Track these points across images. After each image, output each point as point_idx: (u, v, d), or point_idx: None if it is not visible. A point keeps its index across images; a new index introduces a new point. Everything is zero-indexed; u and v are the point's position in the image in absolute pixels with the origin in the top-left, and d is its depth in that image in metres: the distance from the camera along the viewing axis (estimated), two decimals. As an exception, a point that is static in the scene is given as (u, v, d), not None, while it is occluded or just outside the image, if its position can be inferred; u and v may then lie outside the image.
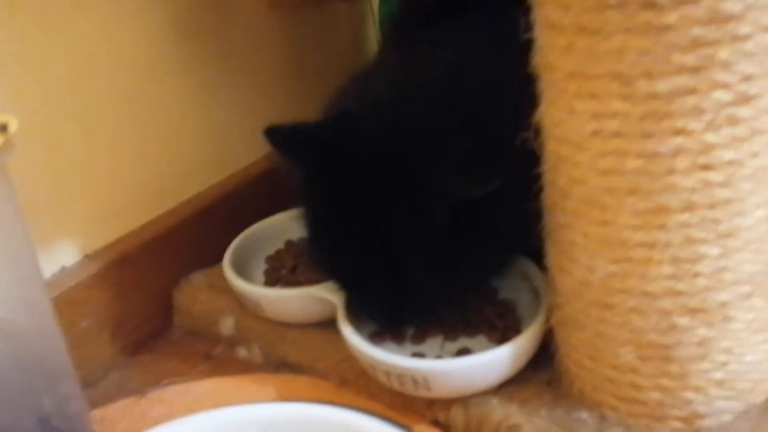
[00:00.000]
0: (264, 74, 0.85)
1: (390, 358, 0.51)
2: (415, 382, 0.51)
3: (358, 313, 0.59)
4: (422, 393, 0.52)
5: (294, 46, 0.88)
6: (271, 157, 0.58)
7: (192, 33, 0.75)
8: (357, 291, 0.57)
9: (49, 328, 0.47)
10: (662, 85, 0.38)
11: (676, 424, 0.47)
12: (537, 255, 0.56)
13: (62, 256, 0.67)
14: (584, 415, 0.49)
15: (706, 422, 0.47)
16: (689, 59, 0.37)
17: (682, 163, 0.40)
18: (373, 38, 0.96)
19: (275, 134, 0.53)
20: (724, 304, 0.44)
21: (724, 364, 0.45)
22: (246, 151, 0.83)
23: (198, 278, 0.73)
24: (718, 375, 0.46)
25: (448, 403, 0.53)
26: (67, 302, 0.64)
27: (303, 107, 0.86)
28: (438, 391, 0.52)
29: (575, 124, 0.42)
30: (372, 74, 0.62)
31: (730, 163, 0.40)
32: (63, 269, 0.67)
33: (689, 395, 0.46)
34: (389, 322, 0.57)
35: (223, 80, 0.79)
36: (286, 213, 0.75)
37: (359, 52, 0.97)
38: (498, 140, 0.46)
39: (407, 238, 0.50)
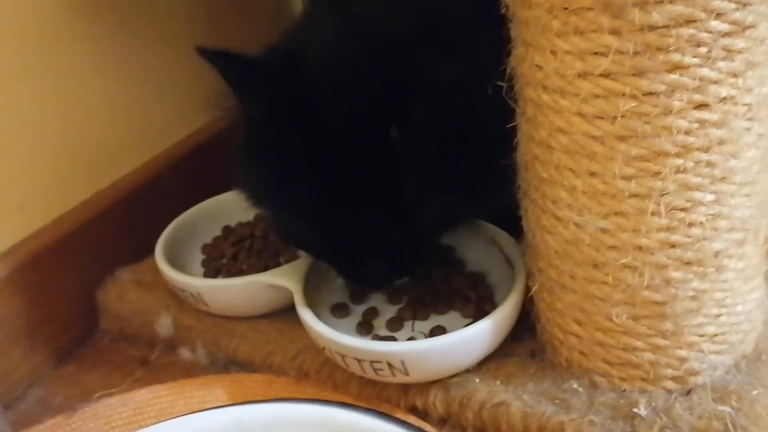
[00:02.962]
0: (183, 47, 0.76)
1: (362, 343, 0.46)
2: (391, 367, 0.46)
3: (315, 297, 0.54)
4: (399, 379, 0.47)
5: (214, 15, 0.80)
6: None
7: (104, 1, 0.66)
8: (347, 252, 0.49)
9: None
10: (658, 15, 0.35)
11: (670, 384, 0.45)
12: (506, 222, 0.53)
13: (-38, 260, 0.58)
14: (574, 384, 0.46)
15: (699, 379, 0.45)
16: (685, -16, 0.34)
17: (678, 101, 0.37)
18: (297, 4, 0.89)
19: (224, 61, 0.45)
20: (717, 254, 0.41)
21: (717, 316, 0.44)
22: (169, 130, 0.75)
23: (124, 275, 0.66)
24: (712, 329, 0.44)
25: (425, 387, 0.49)
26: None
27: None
28: (417, 375, 0.47)
29: (558, 66, 0.38)
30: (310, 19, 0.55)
31: (725, 100, 0.37)
32: (-36, 275, 0.58)
33: (683, 353, 0.44)
34: (394, 275, 0.51)
35: (137, 52, 0.71)
36: (220, 196, 0.69)
37: (284, 19, 0.90)
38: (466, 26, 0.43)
39: (400, 161, 0.44)
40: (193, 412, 0.45)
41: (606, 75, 0.37)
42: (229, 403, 0.51)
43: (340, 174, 0.44)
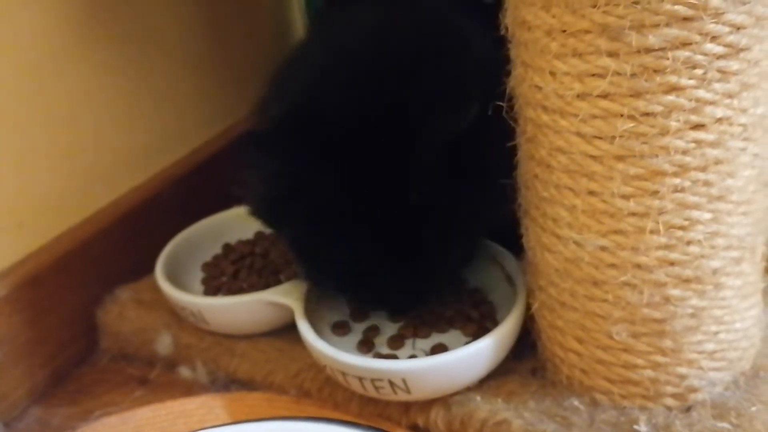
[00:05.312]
0: (184, 63, 0.77)
1: (363, 361, 0.47)
2: (392, 385, 0.46)
3: (316, 315, 0.54)
4: (401, 397, 0.47)
5: (216, 34, 0.81)
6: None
7: (103, 16, 0.67)
8: (377, 285, 0.51)
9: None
10: (654, 38, 0.35)
11: (670, 401, 0.45)
12: (506, 240, 0.53)
13: (-39, 280, 0.58)
14: (575, 402, 0.46)
15: (699, 396, 0.45)
16: (680, 8, 0.35)
17: (675, 122, 0.37)
18: (298, 20, 0.90)
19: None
20: (716, 272, 0.42)
21: (716, 333, 0.44)
22: (168, 148, 0.75)
23: (124, 294, 0.66)
24: (711, 346, 0.44)
25: (427, 405, 0.49)
26: (-29, 332, 0.55)
27: (228, 98, 0.81)
28: (418, 393, 0.47)
29: (557, 87, 0.39)
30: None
31: (721, 121, 0.38)
32: (-37, 295, 0.58)
33: (683, 370, 0.44)
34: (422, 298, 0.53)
35: (137, 71, 0.71)
36: (220, 214, 0.69)
37: (285, 35, 0.91)
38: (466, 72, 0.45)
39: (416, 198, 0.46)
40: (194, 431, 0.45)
41: (604, 96, 0.38)
42: (230, 421, 0.51)
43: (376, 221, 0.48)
